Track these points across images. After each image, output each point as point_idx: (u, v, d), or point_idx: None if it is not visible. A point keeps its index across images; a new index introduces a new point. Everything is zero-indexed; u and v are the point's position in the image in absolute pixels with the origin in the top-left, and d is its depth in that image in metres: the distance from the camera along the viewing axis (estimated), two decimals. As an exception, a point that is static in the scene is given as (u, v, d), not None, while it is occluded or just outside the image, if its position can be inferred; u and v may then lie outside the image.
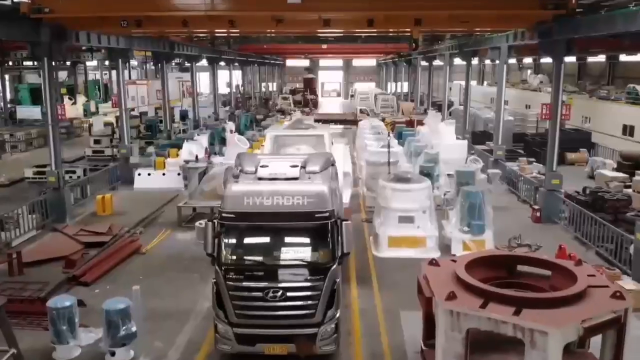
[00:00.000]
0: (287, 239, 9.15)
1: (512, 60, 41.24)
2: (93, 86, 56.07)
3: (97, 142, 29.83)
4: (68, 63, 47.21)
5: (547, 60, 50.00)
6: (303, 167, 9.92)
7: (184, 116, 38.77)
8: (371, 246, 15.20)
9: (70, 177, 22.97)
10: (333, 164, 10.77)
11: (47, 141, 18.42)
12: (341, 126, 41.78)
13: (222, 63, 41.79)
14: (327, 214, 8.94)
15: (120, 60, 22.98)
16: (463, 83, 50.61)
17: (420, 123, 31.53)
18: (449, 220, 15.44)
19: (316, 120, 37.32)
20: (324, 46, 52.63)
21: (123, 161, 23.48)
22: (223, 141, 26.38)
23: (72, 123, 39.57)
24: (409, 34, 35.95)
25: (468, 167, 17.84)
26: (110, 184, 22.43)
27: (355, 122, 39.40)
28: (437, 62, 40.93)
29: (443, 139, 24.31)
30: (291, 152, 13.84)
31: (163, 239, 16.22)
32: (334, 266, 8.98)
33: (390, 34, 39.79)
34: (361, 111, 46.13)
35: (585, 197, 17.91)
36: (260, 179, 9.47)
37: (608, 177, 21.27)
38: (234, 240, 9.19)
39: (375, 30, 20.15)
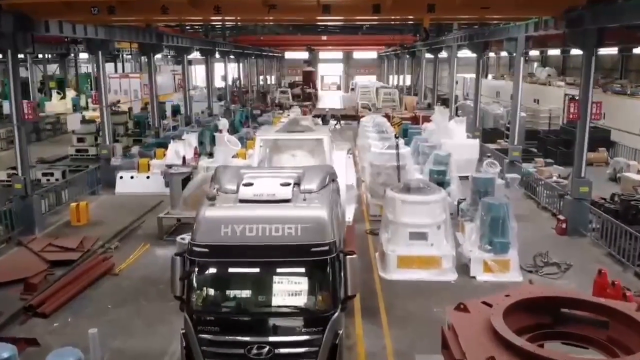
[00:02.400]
0: (276, 280, 7.20)
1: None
2: (84, 79, 53.95)
3: (80, 140, 27.81)
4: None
5: (554, 52, 48.12)
6: (297, 184, 7.97)
7: (175, 111, 36.73)
8: (377, 265, 13.27)
9: (48, 179, 21.10)
10: (334, 179, 8.81)
11: (15, 142, 16.41)
12: (342, 122, 39.76)
13: (217, 55, 39.76)
14: (326, 248, 7.02)
15: (100, 52, 20.97)
16: (466, 76, 48.91)
17: (427, 119, 29.58)
18: (467, 236, 13.53)
19: (315, 116, 35.41)
20: (324, 37, 50.78)
21: (104, 162, 21.50)
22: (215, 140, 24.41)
23: (59, 119, 37.60)
24: (412, 22, 34.14)
25: (485, 172, 15.88)
26: (90, 188, 20.47)
27: (356, 118, 37.44)
28: (440, 55, 38.91)
29: (453, 138, 22.34)
30: (285, 159, 11.91)
31: (140, 256, 14.28)
32: (336, 314, 7.06)
33: (393, 24, 37.81)
34: (362, 106, 44.08)
35: (614, 206, 16.01)
36: (242, 201, 7.53)
37: (635, 180, 19.34)
38: (208, 281, 7.27)
39: (381, 17, 18.11)
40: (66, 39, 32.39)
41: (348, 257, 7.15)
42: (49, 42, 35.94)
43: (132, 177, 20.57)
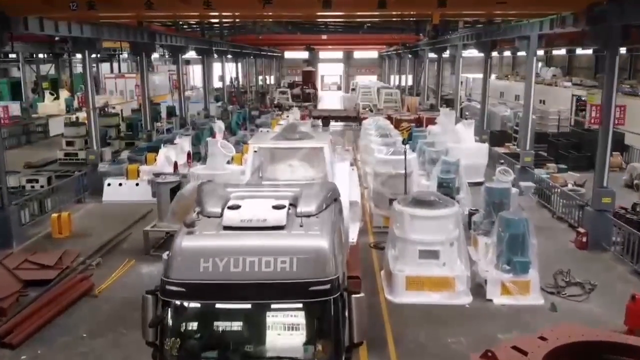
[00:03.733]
0: (267, 325, 5.99)
1: (522, 53, 37.81)
2: (79, 80, 52.59)
3: (69, 143, 26.60)
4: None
5: (559, 52, 46.82)
6: (293, 205, 6.75)
7: (170, 113, 35.46)
8: (383, 286, 12.06)
9: (33, 186, 19.89)
10: (336, 199, 7.58)
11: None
12: (342, 123, 38.58)
13: (215, 55, 38.53)
14: (327, 286, 5.79)
15: (87, 51, 19.77)
16: (469, 76, 47.63)
17: (430, 121, 28.39)
18: (482, 253, 12.33)
19: (315, 118, 34.14)
20: (324, 37, 49.65)
21: (91, 168, 20.28)
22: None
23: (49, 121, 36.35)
24: (415, 20, 32.88)
25: (498, 181, 14.67)
26: (76, 196, 19.25)
27: (357, 119, 36.23)
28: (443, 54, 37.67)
29: (461, 142, 21.12)
30: (281, 170, 10.68)
31: (123, 273, 13.06)
32: (339, 366, 5.86)
33: (395, 22, 36.64)
34: (364, 107, 42.81)
35: (637, 217, 14.82)
36: (227, 227, 6.31)
37: (656, 188, 18.18)
38: (184, 327, 6.06)
39: (384, 13, 16.85)
40: (55, 38, 31.04)
41: (354, 296, 5.93)
42: (41, 41, 34.68)
43: (120, 184, 19.34)
